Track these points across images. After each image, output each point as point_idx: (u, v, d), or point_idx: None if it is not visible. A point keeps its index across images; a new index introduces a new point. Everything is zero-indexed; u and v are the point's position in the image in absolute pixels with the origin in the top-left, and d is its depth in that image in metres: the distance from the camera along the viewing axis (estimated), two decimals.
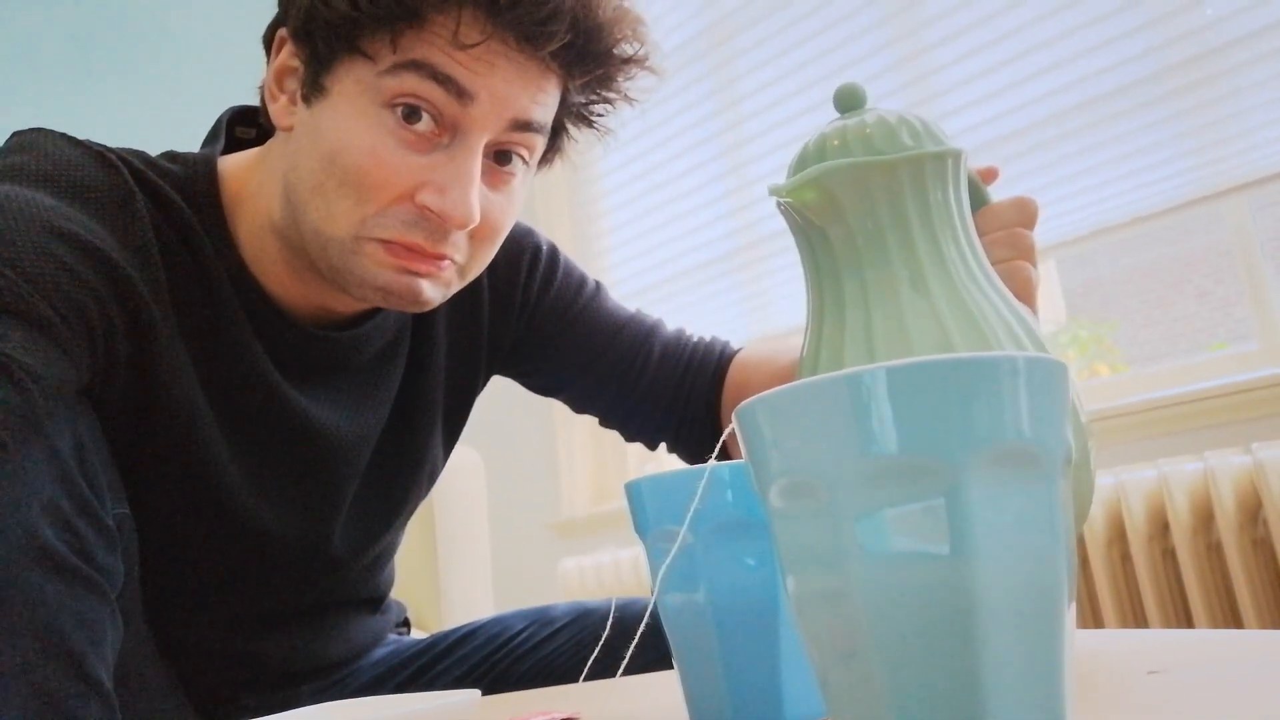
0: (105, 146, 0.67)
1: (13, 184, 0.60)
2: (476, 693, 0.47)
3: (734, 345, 0.91)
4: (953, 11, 1.73)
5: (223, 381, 0.70)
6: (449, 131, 0.64)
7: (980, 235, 0.59)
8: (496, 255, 0.86)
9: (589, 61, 0.68)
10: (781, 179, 0.54)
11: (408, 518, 0.88)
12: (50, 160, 0.63)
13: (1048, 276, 1.75)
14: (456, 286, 0.71)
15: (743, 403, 0.31)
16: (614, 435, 2.36)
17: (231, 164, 0.73)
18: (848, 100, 0.54)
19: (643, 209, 2.26)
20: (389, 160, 0.63)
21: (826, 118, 0.56)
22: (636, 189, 2.27)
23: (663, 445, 0.92)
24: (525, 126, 0.66)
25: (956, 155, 0.50)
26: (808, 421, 0.28)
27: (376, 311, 0.78)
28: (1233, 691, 0.37)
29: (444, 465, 0.90)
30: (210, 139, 0.76)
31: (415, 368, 0.82)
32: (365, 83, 0.64)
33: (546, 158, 0.77)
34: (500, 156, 0.68)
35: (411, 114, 0.63)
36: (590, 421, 2.37)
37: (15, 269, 0.55)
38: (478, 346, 0.86)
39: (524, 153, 0.69)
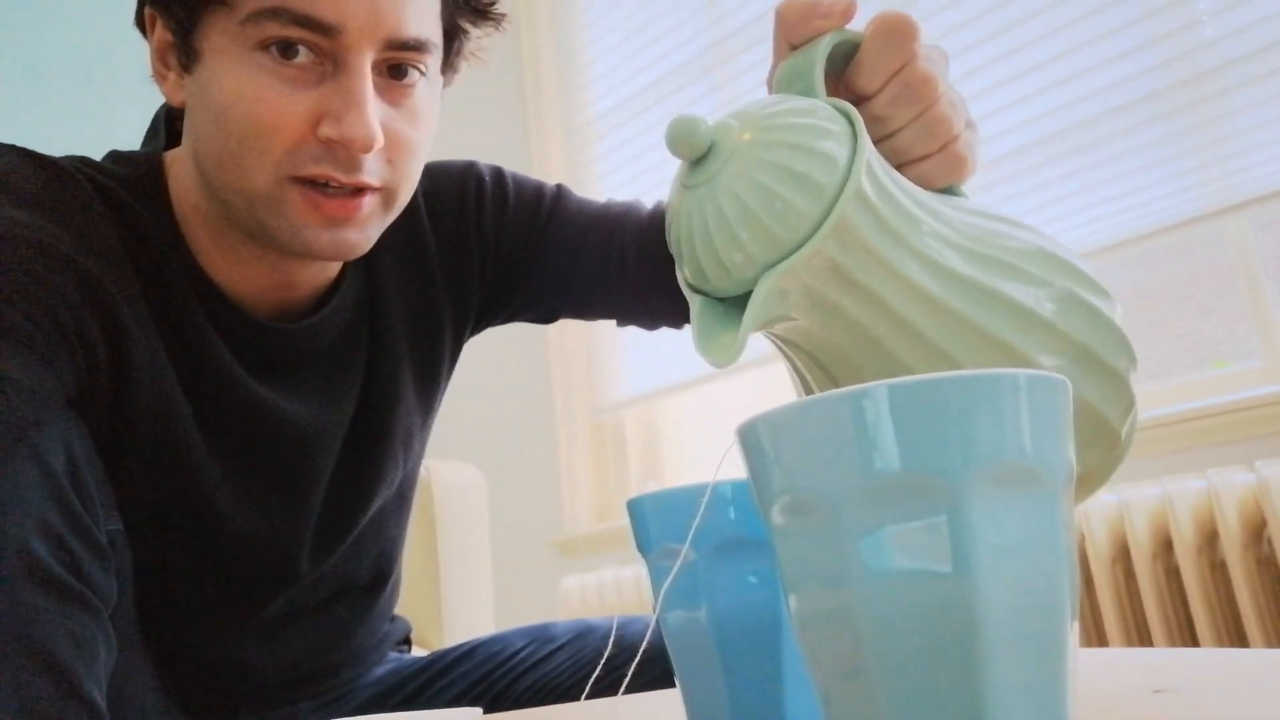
0: (53, 156, 0.67)
1: None
2: (478, 711, 0.47)
3: None
4: (952, 32, 1.74)
5: (197, 381, 0.70)
6: (329, 60, 0.63)
7: (863, 98, 0.47)
8: (440, 202, 0.83)
9: None
10: None
11: (391, 498, 0.84)
12: (5, 175, 0.63)
13: None
14: (388, 217, 0.69)
15: (744, 421, 0.31)
16: (615, 452, 2.36)
17: (171, 158, 0.72)
18: (691, 145, 0.41)
19: None
20: (277, 102, 0.62)
21: None
22: None
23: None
24: (404, 45, 0.65)
25: (860, 173, 0.38)
26: (810, 439, 0.28)
27: (331, 296, 0.76)
28: (1239, 711, 0.37)
29: (425, 436, 0.87)
30: (150, 136, 0.75)
31: (376, 344, 0.80)
32: (231, 33, 0.63)
33: (452, 63, 0.74)
34: (394, 71, 0.66)
35: (287, 49, 0.62)
36: (592, 439, 2.37)
37: None
38: (434, 302, 0.83)
39: (419, 66, 0.67)
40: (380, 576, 0.87)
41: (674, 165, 0.46)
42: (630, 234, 0.83)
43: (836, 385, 0.43)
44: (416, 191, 0.82)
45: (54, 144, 0.72)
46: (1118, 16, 1.57)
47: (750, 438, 0.31)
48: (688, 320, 0.84)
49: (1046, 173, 1.62)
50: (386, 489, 0.83)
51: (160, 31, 0.67)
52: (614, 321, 0.88)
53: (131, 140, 0.78)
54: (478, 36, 0.74)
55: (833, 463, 0.28)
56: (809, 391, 0.45)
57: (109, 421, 0.65)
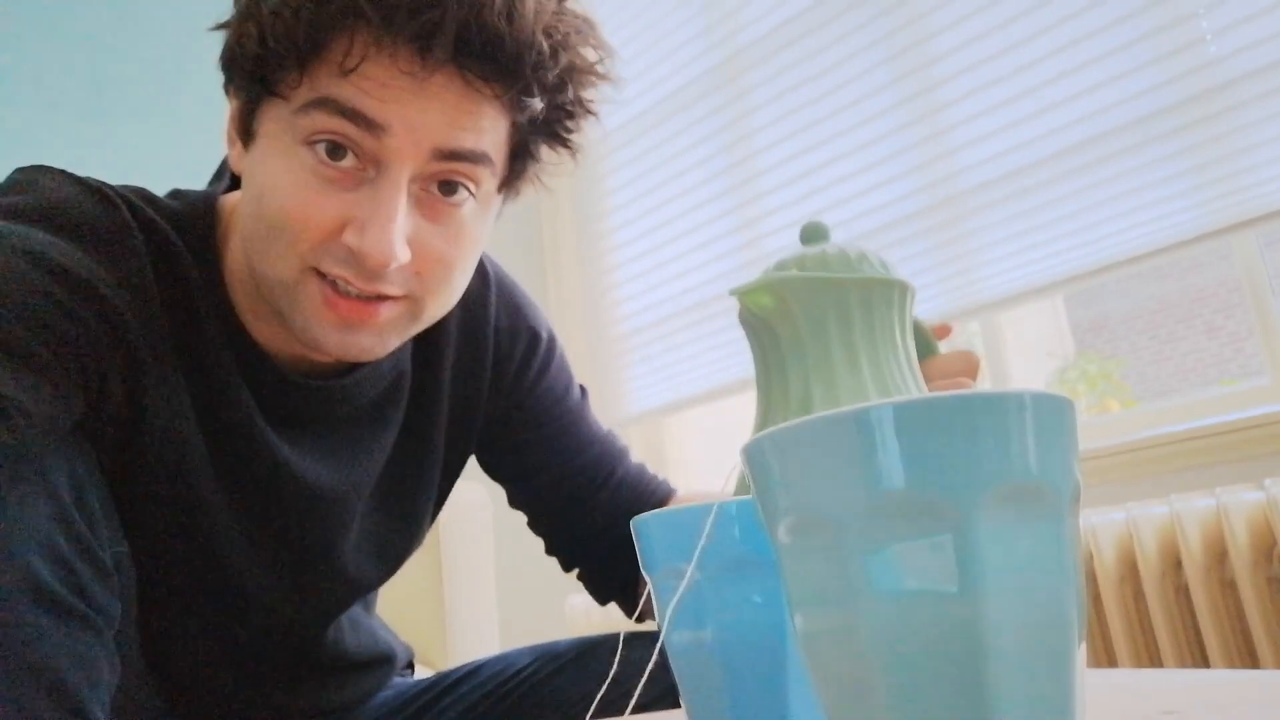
0: (106, 184, 0.66)
1: (9, 221, 0.60)
2: None
3: (678, 490, 0.90)
4: (961, 48, 1.75)
5: (217, 429, 0.69)
6: (372, 164, 0.62)
7: (925, 382, 0.59)
8: (501, 321, 0.84)
9: (520, 77, 0.63)
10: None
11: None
12: (48, 198, 0.63)
13: (1055, 312, 1.74)
14: (413, 326, 0.68)
15: (750, 439, 0.31)
16: None
17: (229, 202, 0.72)
18: (812, 234, 0.56)
19: (653, 244, 2.27)
20: (312, 200, 0.61)
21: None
22: (646, 224, 2.29)
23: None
24: (454, 156, 0.63)
25: (904, 287, 0.52)
26: (815, 458, 0.28)
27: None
28: None
29: (435, 516, 0.88)
30: (215, 177, 0.75)
31: (417, 417, 0.79)
32: (284, 122, 0.62)
33: (513, 185, 0.71)
34: (444, 187, 0.64)
35: (334, 150, 0.61)
36: None
37: (5, 305, 0.55)
38: (476, 405, 0.83)
39: (468, 184, 0.65)
40: (384, 650, 0.90)
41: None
42: (621, 469, 0.88)
43: (782, 361, 0.53)
44: (491, 293, 0.83)
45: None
46: (1121, 34, 1.57)
47: (756, 457, 0.31)
48: (583, 565, 0.90)
49: (1053, 190, 1.62)
50: (398, 565, 0.85)
51: (234, 102, 0.67)
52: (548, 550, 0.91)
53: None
54: (549, 162, 0.72)
55: (838, 482, 0.28)
56: (763, 366, 0.54)
57: (120, 450, 0.65)
